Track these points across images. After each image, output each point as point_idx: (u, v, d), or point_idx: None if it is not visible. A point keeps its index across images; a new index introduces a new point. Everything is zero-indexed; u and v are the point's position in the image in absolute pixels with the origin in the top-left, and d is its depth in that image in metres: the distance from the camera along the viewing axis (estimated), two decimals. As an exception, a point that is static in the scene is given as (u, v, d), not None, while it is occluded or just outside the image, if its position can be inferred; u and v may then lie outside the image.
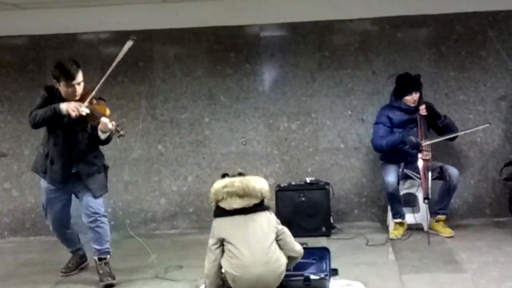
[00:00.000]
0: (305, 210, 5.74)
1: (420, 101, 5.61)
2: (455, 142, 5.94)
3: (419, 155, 5.42)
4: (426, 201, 5.34)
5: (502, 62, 6.00)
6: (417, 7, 5.99)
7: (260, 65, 6.20)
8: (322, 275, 4.16)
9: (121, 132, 4.54)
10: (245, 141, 6.25)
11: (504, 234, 5.50)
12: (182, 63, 6.22)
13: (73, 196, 4.86)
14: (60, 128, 4.58)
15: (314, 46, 6.14)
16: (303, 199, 5.77)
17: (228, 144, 6.24)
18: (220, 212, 4.02)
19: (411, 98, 5.57)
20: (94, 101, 4.59)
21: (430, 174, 5.33)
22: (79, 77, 4.53)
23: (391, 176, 5.50)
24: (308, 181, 5.89)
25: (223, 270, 3.98)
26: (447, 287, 4.27)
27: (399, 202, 5.57)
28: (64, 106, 4.46)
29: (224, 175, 4.14)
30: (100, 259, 4.71)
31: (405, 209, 5.64)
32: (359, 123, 6.14)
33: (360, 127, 6.13)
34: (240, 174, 4.12)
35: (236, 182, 3.99)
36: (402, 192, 5.64)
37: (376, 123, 5.72)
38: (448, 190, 5.52)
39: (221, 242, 3.97)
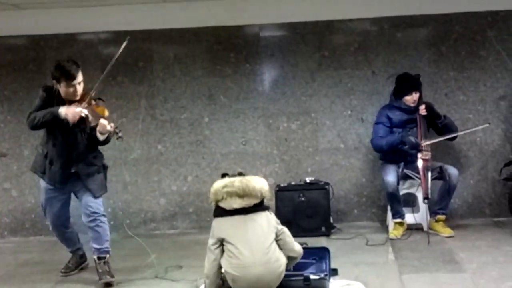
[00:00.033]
0: (305, 210, 5.74)
1: (420, 101, 5.61)
2: (455, 142, 5.94)
3: (419, 155, 5.42)
4: (425, 201, 5.34)
5: (502, 62, 6.00)
6: (416, 7, 5.99)
7: (260, 65, 6.20)
8: (322, 275, 4.16)
9: (119, 134, 4.55)
10: (245, 141, 6.25)
11: (503, 234, 5.50)
12: (182, 63, 6.22)
13: (72, 196, 4.86)
14: (59, 129, 4.57)
15: (313, 46, 6.14)
16: (302, 199, 5.77)
17: (228, 144, 6.24)
18: (220, 212, 4.03)
19: (411, 98, 5.58)
20: (93, 102, 4.58)
21: (430, 174, 5.33)
22: (80, 76, 4.53)
23: (390, 176, 5.50)
24: (307, 181, 5.89)
25: (223, 270, 3.98)
26: (447, 287, 4.27)
27: (398, 202, 5.57)
28: (63, 111, 4.46)
29: (224, 175, 4.14)
30: (99, 258, 4.71)
31: (404, 209, 5.64)
32: (359, 123, 6.14)
33: (360, 127, 6.13)
34: (240, 174, 4.12)
35: (236, 182, 3.99)
36: (401, 192, 5.64)
37: (375, 123, 5.72)
38: (447, 190, 5.52)
39: (221, 242, 3.97)
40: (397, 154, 5.56)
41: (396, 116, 5.62)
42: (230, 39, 6.18)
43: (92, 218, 4.69)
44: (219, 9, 6.06)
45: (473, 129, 5.76)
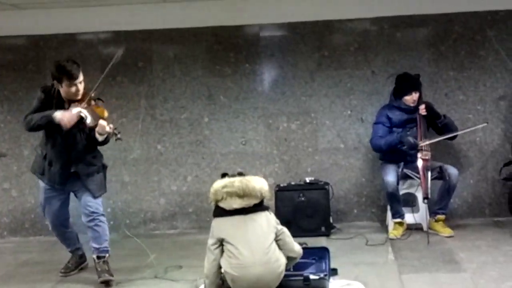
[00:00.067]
0: (305, 210, 5.74)
1: (419, 101, 5.61)
2: (455, 142, 5.94)
3: (419, 155, 5.42)
4: (425, 201, 5.34)
5: (502, 62, 6.00)
6: (416, 7, 5.99)
7: (260, 65, 6.20)
8: (322, 275, 4.16)
9: (118, 136, 4.55)
10: (244, 141, 6.25)
11: (503, 234, 5.50)
12: (182, 63, 6.22)
13: (72, 196, 4.86)
14: (57, 130, 4.56)
15: (313, 46, 6.14)
16: (302, 199, 5.77)
17: (228, 144, 6.24)
18: (220, 212, 4.02)
19: (411, 98, 5.58)
20: (93, 102, 4.58)
21: (429, 174, 5.33)
22: (81, 76, 4.54)
23: (390, 176, 5.50)
24: (307, 181, 5.89)
25: (222, 270, 3.97)
26: (447, 287, 4.27)
27: (398, 202, 5.57)
28: (58, 115, 4.45)
29: (223, 175, 4.14)
30: (98, 257, 4.71)
31: (404, 209, 5.64)
32: (359, 123, 6.14)
33: (360, 127, 6.13)
34: (240, 174, 4.12)
35: (236, 182, 3.99)
36: (401, 192, 5.64)
37: (375, 123, 5.72)
38: (447, 190, 5.52)
39: (221, 242, 3.96)
40: (396, 154, 5.56)
41: (396, 116, 5.62)
42: (230, 39, 6.18)
43: (91, 217, 4.69)
44: (219, 9, 6.06)
45: (471, 129, 5.74)
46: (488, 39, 5.99)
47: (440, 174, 5.52)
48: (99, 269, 4.68)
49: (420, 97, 5.62)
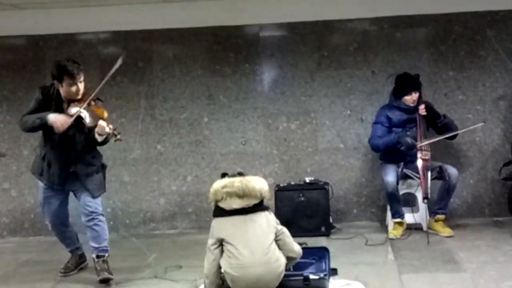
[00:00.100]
0: (305, 210, 5.74)
1: (419, 100, 5.61)
2: (454, 142, 5.94)
3: (419, 155, 5.42)
4: (425, 200, 5.34)
5: (501, 62, 6.00)
6: (416, 7, 5.99)
7: (260, 65, 6.20)
8: (322, 275, 4.16)
9: (118, 137, 4.54)
10: (244, 141, 6.25)
11: (503, 234, 5.50)
12: (182, 63, 6.22)
13: (72, 196, 4.86)
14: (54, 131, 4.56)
15: (313, 46, 6.14)
16: (302, 199, 5.77)
17: (228, 144, 6.24)
18: (220, 212, 4.02)
19: (411, 98, 5.58)
20: (92, 103, 4.58)
21: (429, 173, 5.34)
22: (81, 75, 4.54)
23: (390, 176, 5.50)
24: (307, 181, 5.89)
25: (222, 270, 3.97)
26: (446, 287, 4.27)
27: (398, 202, 5.57)
28: (51, 118, 4.45)
29: (223, 175, 4.14)
30: (98, 256, 4.70)
31: (404, 209, 5.64)
32: (359, 123, 6.14)
33: (360, 127, 6.13)
34: (240, 174, 4.12)
35: (236, 182, 3.99)
36: (401, 192, 5.64)
37: (374, 123, 5.73)
38: (447, 190, 5.53)
39: (220, 242, 3.96)
40: (396, 154, 5.56)
41: (396, 116, 5.62)
42: (229, 39, 6.18)
43: (90, 217, 4.69)
44: (218, 9, 6.06)
45: (468, 129, 5.72)
46: (487, 39, 5.99)
47: (440, 174, 5.52)
48: (98, 268, 4.68)
49: (420, 97, 5.63)
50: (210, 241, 4.00)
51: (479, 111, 6.05)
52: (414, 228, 5.61)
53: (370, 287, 4.29)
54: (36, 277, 4.97)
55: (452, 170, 5.52)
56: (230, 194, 3.97)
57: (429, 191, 5.29)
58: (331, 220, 5.84)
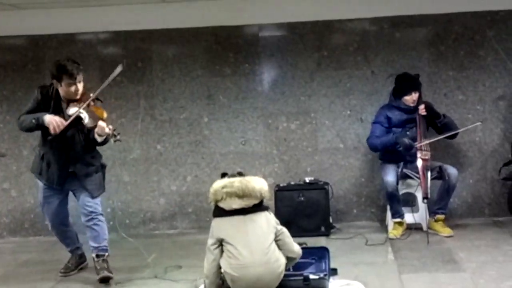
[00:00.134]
0: (304, 210, 5.75)
1: (419, 100, 5.61)
2: (454, 142, 5.94)
3: (418, 155, 5.43)
4: (425, 200, 5.34)
5: (501, 62, 6.01)
6: (416, 7, 5.99)
7: (259, 65, 6.20)
8: (322, 275, 4.16)
9: (118, 137, 4.54)
10: (244, 141, 6.25)
11: (502, 234, 5.50)
12: (181, 63, 6.22)
13: (72, 196, 4.86)
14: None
15: (313, 46, 6.14)
16: (302, 199, 5.77)
17: (227, 144, 6.24)
18: (219, 212, 4.02)
19: (411, 98, 5.58)
20: (92, 103, 4.58)
21: (429, 173, 5.34)
22: (81, 75, 4.54)
23: (390, 175, 5.50)
24: (307, 181, 5.89)
25: (222, 270, 3.97)
26: (446, 287, 4.27)
27: (398, 202, 5.57)
28: (47, 119, 4.45)
29: (223, 175, 4.14)
30: (98, 256, 4.70)
31: (404, 209, 5.64)
32: (358, 123, 6.14)
33: (359, 127, 6.13)
34: (240, 174, 4.12)
35: (236, 182, 3.98)
36: (401, 192, 5.64)
37: (373, 122, 5.73)
38: (447, 190, 5.53)
39: (220, 242, 3.96)
40: (396, 154, 5.56)
41: (396, 116, 5.62)
42: (229, 39, 6.18)
43: (90, 217, 4.69)
44: (218, 9, 6.06)
45: (464, 129, 5.68)
46: (487, 39, 5.99)
47: (440, 174, 5.52)
48: (98, 267, 4.68)
49: (419, 97, 5.63)
50: (210, 241, 4.00)
51: (478, 111, 6.06)
52: (414, 228, 5.61)
53: (370, 287, 4.29)
54: (36, 277, 4.97)
55: (452, 170, 5.52)
56: (230, 194, 3.97)
57: (429, 191, 5.29)
58: (331, 220, 5.84)
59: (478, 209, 6.12)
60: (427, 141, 5.49)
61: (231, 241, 3.91)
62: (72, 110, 4.52)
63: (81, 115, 4.50)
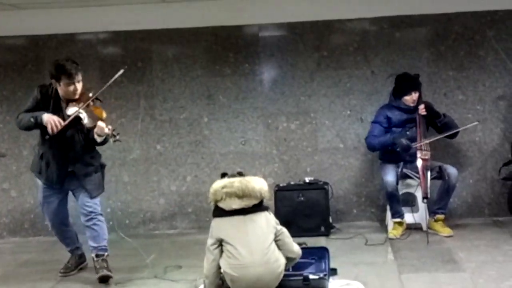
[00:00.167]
0: (304, 210, 5.74)
1: (419, 100, 5.61)
2: (454, 142, 5.94)
3: (418, 155, 5.43)
4: (425, 200, 5.34)
5: (501, 62, 6.01)
6: (416, 7, 5.99)
7: (259, 65, 6.20)
8: (321, 275, 4.16)
9: (117, 137, 4.54)
10: (244, 141, 6.25)
11: (502, 234, 5.50)
12: (181, 63, 6.22)
13: (72, 196, 4.86)
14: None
15: (313, 46, 6.14)
16: (302, 199, 5.77)
17: (227, 144, 6.24)
18: (219, 212, 4.02)
19: (410, 98, 5.58)
20: (91, 103, 4.58)
21: (429, 173, 5.34)
22: (79, 75, 4.54)
23: (390, 175, 5.50)
24: (307, 181, 5.89)
25: (222, 270, 3.97)
26: (446, 287, 4.27)
27: (398, 202, 5.57)
28: (45, 118, 4.45)
29: (223, 175, 4.14)
30: (97, 255, 4.70)
31: (404, 209, 5.64)
32: (358, 123, 6.14)
33: (359, 126, 6.13)
34: (240, 174, 4.12)
35: (236, 182, 3.98)
36: (401, 192, 5.64)
37: (373, 122, 5.73)
38: (447, 190, 5.53)
39: (220, 243, 3.96)
40: (396, 153, 5.55)
41: (396, 116, 5.62)
42: (229, 39, 6.18)
43: (89, 217, 4.70)
44: (218, 9, 6.06)
45: (462, 128, 5.67)
46: (487, 39, 5.99)
47: (440, 174, 5.52)
48: (97, 266, 4.68)
49: (419, 97, 5.63)
50: (210, 241, 4.00)
51: (478, 111, 6.06)
52: (413, 228, 5.61)
53: (370, 287, 4.29)
54: (36, 277, 4.97)
55: (451, 170, 5.52)
56: (230, 195, 3.96)
57: (428, 191, 5.29)
58: (330, 220, 5.84)
59: (478, 209, 6.12)
60: (426, 141, 5.49)
61: (231, 241, 3.91)
62: (71, 110, 4.52)
63: (80, 115, 4.50)
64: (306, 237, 5.10)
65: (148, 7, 6.04)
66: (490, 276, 4.39)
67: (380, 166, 5.76)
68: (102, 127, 4.48)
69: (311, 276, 4.09)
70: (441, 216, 5.58)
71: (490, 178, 6.07)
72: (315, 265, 4.31)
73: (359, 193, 6.20)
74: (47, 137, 4.54)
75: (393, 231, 5.57)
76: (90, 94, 4.60)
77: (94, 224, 4.70)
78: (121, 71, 4.70)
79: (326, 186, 5.83)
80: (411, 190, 5.71)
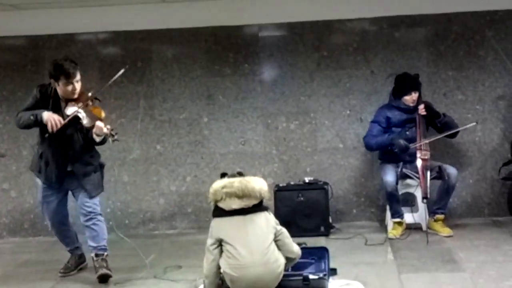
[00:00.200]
0: (304, 210, 5.74)
1: (419, 100, 5.62)
2: (454, 142, 5.95)
3: (418, 155, 5.43)
4: (424, 200, 5.35)
5: (501, 62, 6.01)
6: (415, 6, 5.99)
7: (259, 65, 6.20)
8: (321, 275, 4.16)
9: (115, 137, 4.54)
10: (243, 141, 6.25)
11: (502, 234, 5.50)
12: (181, 63, 6.22)
13: (72, 196, 4.86)
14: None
15: (312, 46, 6.14)
16: (301, 199, 5.77)
17: (227, 144, 6.24)
18: (219, 212, 4.02)
19: (410, 98, 5.58)
20: (90, 103, 4.58)
21: (429, 173, 5.34)
22: (78, 75, 4.54)
23: (389, 175, 5.50)
24: (306, 181, 5.89)
25: (221, 271, 3.97)
26: (446, 287, 4.27)
27: (397, 202, 5.57)
28: (45, 116, 4.46)
29: (223, 175, 4.14)
30: (97, 255, 4.71)
31: (403, 209, 5.64)
32: (358, 122, 6.14)
33: (359, 126, 6.13)
34: (239, 174, 4.12)
35: (236, 182, 3.98)
36: (400, 192, 5.64)
37: (372, 121, 5.73)
38: (446, 190, 5.53)
39: (220, 243, 3.96)
40: (395, 153, 5.55)
41: (395, 115, 5.62)
42: (229, 39, 6.18)
43: (88, 217, 4.70)
44: (218, 9, 6.06)
45: (460, 129, 5.66)
46: (487, 39, 5.99)
47: (439, 174, 5.52)
48: (97, 265, 4.68)
49: (419, 97, 5.63)
50: (209, 241, 4.00)
51: (478, 111, 6.06)
52: (413, 228, 5.61)
53: (370, 287, 4.29)
54: (36, 277, 4.97)
55: (451, 170, 5.52)
56: (230, 195, 3.96)
57: (428, 191, 5.29)
58: (330, 220, 5.84)
59: (477, 209, 6.12)
60: (426, 141, 5.49)
61: (231, 241, 3.91)
62: (70, 110, 4.53)
63: (79, 114, 4.50)
64: (306, 237, 5.10)
65: (148, 7, 6.04)
66: (490, 276, 4.39)
67: (380, 166, 5.76)
68: (101, 126, 4.48)
69: (311, 276, 4.10)
70: (441, 216, 5.58)
71: (490, 178, 6.07)
72: (315, 265, 4.31)
73: (358, 193, 6.20)
74: (46, 135, 4.54)
75: (393, 231, 5.57)
76: (89, 94, 4.61)
77: (94, 224, 4.71)
78: (122, 71, 4.70)
79: (325, 186, 5.83)
80: (410, 190, 5.72)
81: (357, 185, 6.19)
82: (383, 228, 5.86)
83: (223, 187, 3.99)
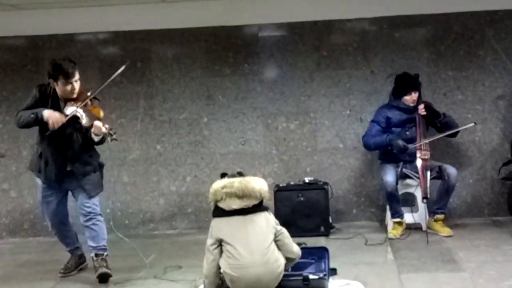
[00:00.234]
0: (304, 210, 5.74)
1: (419, 100, 5.62)
2: (454, 142, 5.95)
3: (418, 155, 5.43)
4: (424, 200, 5.35)
5: (500, 62, 6.01)
6: (415, 6, 5.99)
7: (259, 65, 6.20)
8: (321, 275, 4.16)
9: (114, 136, 4.55)
10: (243, 141, 6.25)
11: (502, 233, 5.50)
12: (181, 63, 6.22)
13: (71, 196, 4.86)
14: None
15: (312, 46, 6.14)
16: (301, 199, 5.77)
17: (227, 144, 6.24)
18: (219, 212, 4.02)
19: (410, 98, 5.58)
20: (89, 102, 4.58)
21: (428, 173, 5.34)
22: (77, 74, 4.55)
23: (389, 175, 5.50)
24: (306, 181, 5.89)
25: (221, 271, 3.97)
26: (446, 286, 4.27)
27: (397, 202, 5.57)
28: (46, 114, 4.46)
29: (223, 175, 4.14)
30: (97, 255, 4.71)
31: (403, 209, 5.64)
32: (358, 122, 6.14)
33: (359, 126, 6.13)
34: (239, 174, 4.12)
35: (236, 182, 3.98)
36: (400, 192, 5.64)
37: (371, 121, 5.73)
38: (446, 190, 5.53)
39: (220, 243, 3.96)
40: (395, 153, 5.55)
41: (395, 115, 5.62)
42: (229, 39, 6.18)
43: (88, 217, 4.70)
44: (218, 9, 6.06)
45: (458, 129, 5.66)
46: (487, 39, 6.00)
47: (439, 174, 5.52)
48: (97, 265, 4.68)
49: (419, 97, 5.63)
50: (209, 241, 4.00)
51: (478, 110, 6.06)
52: (413, 228, 5.61)
53: (370, 287, 4.29)
54: (36, 277, 4.97)
55: (451, 170, 5.52)
56: (230, 195, 3.96)
57: (428, 190, 5.29)
58: (330, 220, 5.83)
59: (477, 209, 6.12)
60: (426, 141, 5.49)
61: (231, 241, 3.91)
62: (70, 110, 4.53)
63: (78, 114, 4.50)
64: (305, 237, 5.10)
65: (148, 7, 6.04)
66: (490, 276, 4.39)
67: (380, 166, 5.76)
68: (99, 126, 4.48)
69: (311, 276, 4.10)
70: (440, 216, 5.58)
71: (490, 178, 6.07)
72: (315, 265, 4.31)
73: (358, 193, 6.20)
74: (47, 133, 4.54)
75: (393, 231, 5.57)
76: (89, 94, 4.61)
77: (93, 224, 4.71)
78: (122, 68, 4.69)
79: (325, 186, 5.83)
80: (410, 190, 5.72)
81: (357, 185, 6.19)
82: (383, 228, 5.86)
83: (223, 187, 3.99)
